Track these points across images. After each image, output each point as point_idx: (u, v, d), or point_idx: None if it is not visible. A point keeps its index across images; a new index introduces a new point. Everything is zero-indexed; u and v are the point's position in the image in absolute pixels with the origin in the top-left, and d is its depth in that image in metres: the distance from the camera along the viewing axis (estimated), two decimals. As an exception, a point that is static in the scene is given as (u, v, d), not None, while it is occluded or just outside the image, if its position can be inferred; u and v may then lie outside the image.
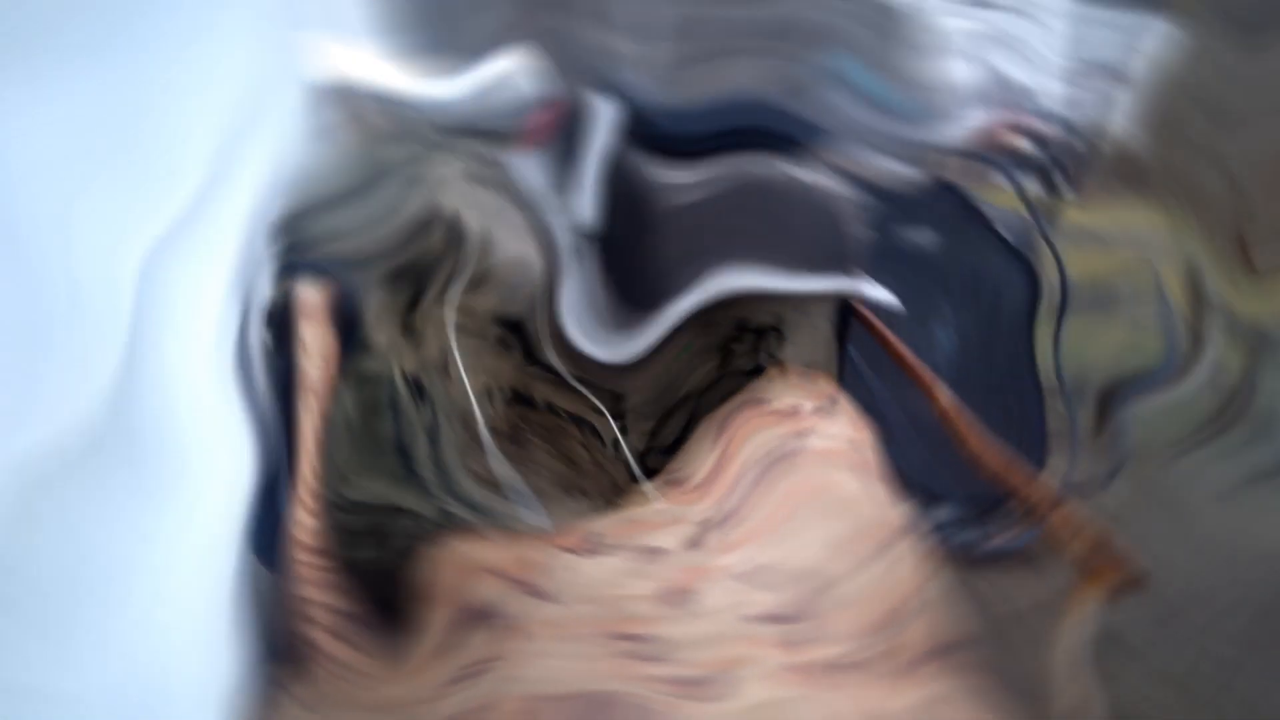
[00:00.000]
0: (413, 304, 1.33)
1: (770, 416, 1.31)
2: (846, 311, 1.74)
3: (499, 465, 1.35)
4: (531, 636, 1.02)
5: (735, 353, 1.58)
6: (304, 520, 0.73)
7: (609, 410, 1.39)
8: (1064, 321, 3.38)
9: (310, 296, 1.22)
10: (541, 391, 1.42)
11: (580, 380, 1.36)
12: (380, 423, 1.33)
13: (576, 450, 1.42)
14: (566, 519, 1.34)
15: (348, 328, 1.28)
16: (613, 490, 1.45)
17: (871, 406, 2.94)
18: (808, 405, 1.36)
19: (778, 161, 1.45)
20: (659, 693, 0.98)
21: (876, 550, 1.19)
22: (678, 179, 1.31)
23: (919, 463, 2.78)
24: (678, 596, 1.13)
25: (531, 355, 1.39)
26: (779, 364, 1.59)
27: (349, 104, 2.05)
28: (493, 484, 1.37)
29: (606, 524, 1.19)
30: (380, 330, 1.32)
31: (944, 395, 1.47)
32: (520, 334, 1.37)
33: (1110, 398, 4.31)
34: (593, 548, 1.18)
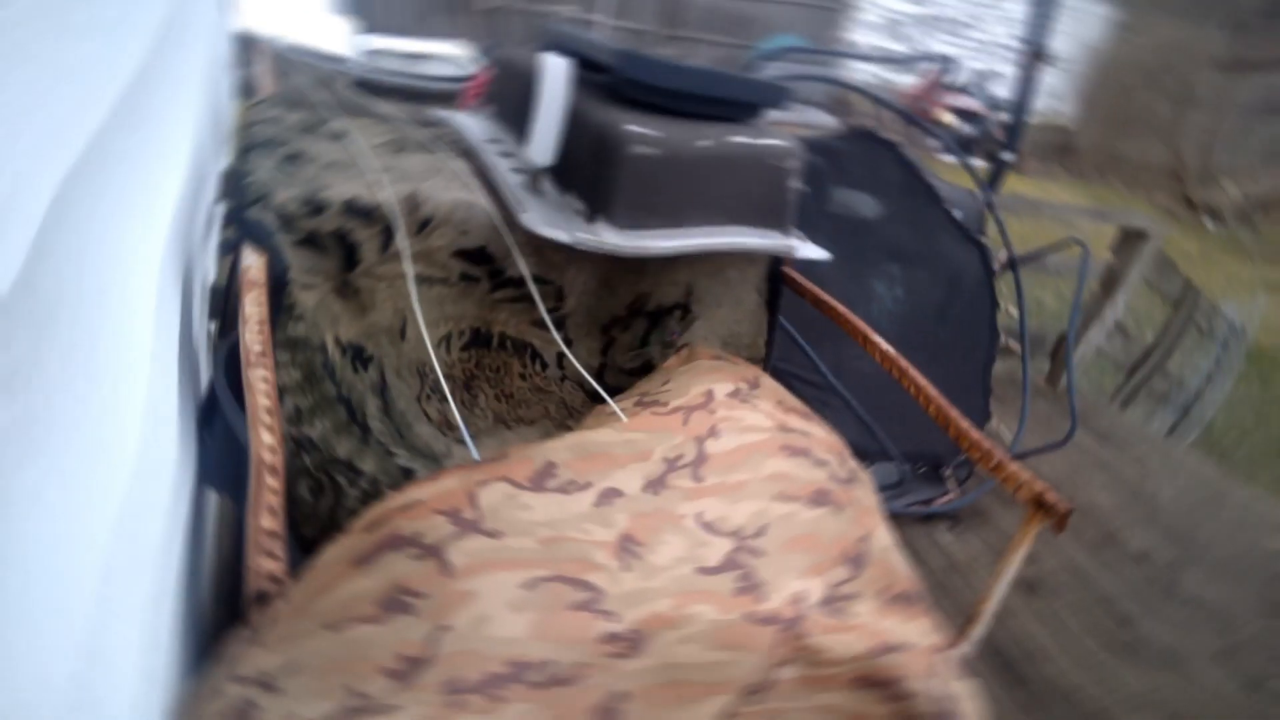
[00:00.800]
0: (349, 264, 1.33)
1: (670, 417, 1.30)
2: (776, 278, 1.79)
3: (451, 410, 1.42)
4: (457, 572, 1.01)
5: (618, 343, 1.60)
6: (266, 443, 0.73)
7: (552, 314, 1.45)
8: (1020, 285, 3.47)
9: (253, 264, 1.20)
10: (499, 321, 1.49)
11: (536, 280, 1.41)
12: (322, 386, 1.36)
13: (517, 384, 1.53)
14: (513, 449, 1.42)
15: (275, 293, 1.27)
16: (563, 410, 1.56)
17: (799, 376, 3.00)
18: (721, 391, 1.37)
19: (721, 125, 1.48)
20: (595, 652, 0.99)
21: (812, 502, 1.24)
22: (634, 129, 1.35)
23: (856, 428, 2.85)
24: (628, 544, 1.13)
25: (498, 274, 1.44)
26: (681, 348, 1.61)
27: (280, 59, 2.02)
28: (449, 425, 1.46)
29: (562, 454, 1.20)
30: (306, 293, 1.31)
31: (882, 349, 1.52)
32: (484, 259, 1.41)
33: (1057, 352, 4.41)
34: (541, 482, 1.16)
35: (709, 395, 1.33)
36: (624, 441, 1.25)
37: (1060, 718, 2.27)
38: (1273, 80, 15.31)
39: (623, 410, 1.34)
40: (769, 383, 1.47)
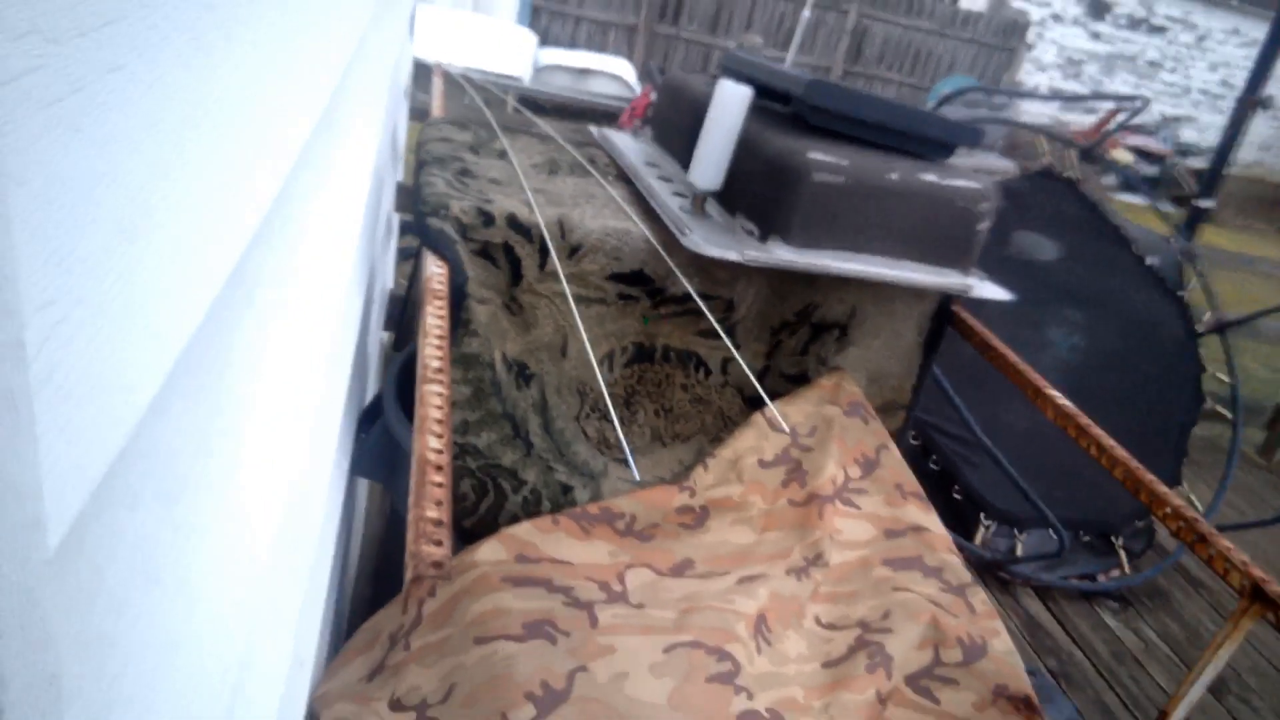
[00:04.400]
0: (515, 279, 1.36)
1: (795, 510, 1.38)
2: (941, 319, 1.70)
3: (613, 429, 1.46)
4: (602, 626, 1.08)
5: (783, 346, 1.63)
6: (433, 447, 0.79)
7: (721, 324, 1.47)
8: (1227, 348, 3.18)
9: (436, 273, 1.26)
10: (663, 335, 1.51)
11: (702, 296, 1.43)
12: (489, 402, 1.41)
13: (678, 396, 1.55)
14: (664, 467, 1.51)
15: (455, 306, 1.33)
16: (720, 421, 1.58)
17: (944, 430, 2.83)
18: (841, 476, 1.43)
19: (909, 160, 1.44)
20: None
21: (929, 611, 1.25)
22: (818, 157, 1.34)
23: (1007, 490, 2.65)
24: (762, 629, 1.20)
25: (659, 293, 1.46)
26: (832, 370, 1.59)
27: (451, 82, 2.13)
28: (606, 443, 1.49)
29: (700, 552, 1.30)
30: (482, 308, 1.35)
31: (1057, 403, 1.39)
32: (642, 280, 1.44)
33: (1276, 421, 3.99)
34: (681, 571, 1.29)
35: (835, 485, 1.40)
36: (764, 541, 1.34)
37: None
38: None
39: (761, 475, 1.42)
40: (892, 456, 1.48)
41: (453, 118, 1.79)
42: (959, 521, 2.74)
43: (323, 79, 0.78)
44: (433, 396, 0.88)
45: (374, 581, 1.77)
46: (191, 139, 0.39)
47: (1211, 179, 3.87)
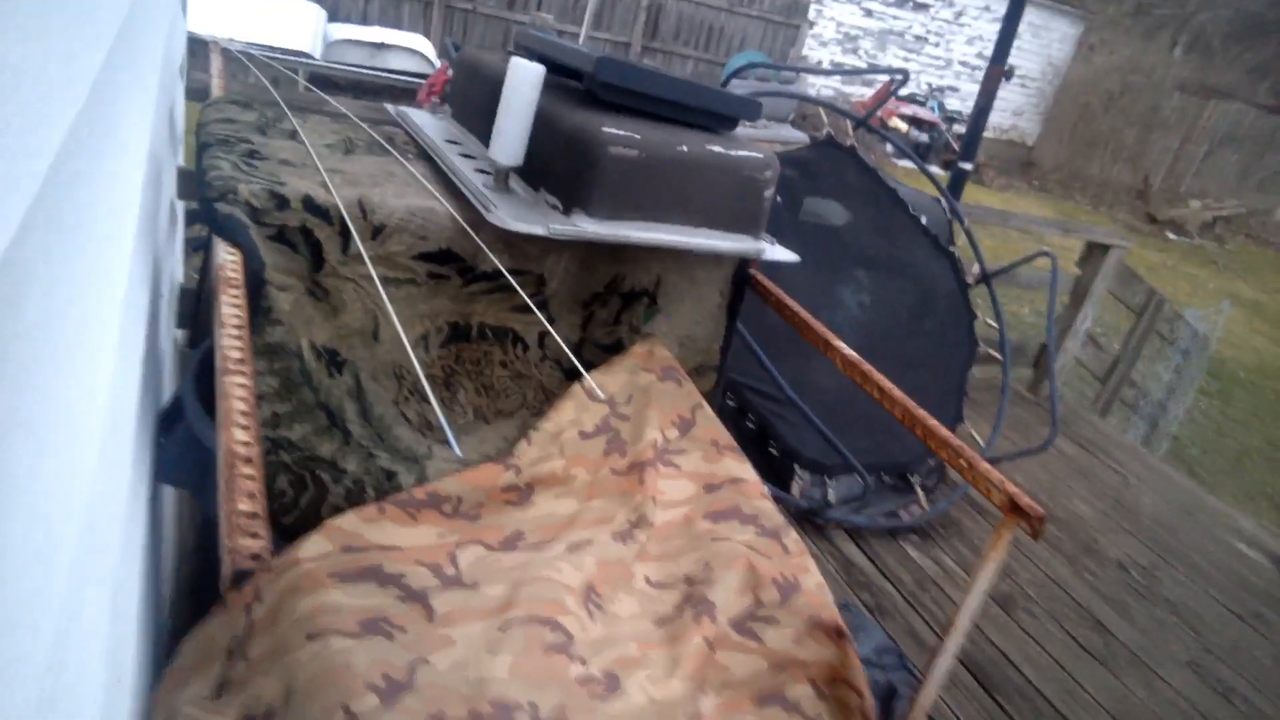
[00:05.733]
0: (317, 264, 1.31)
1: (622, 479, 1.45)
2: (741, 282, 1.81)
3: (434, 411, 1.44)
4: (438, 619, 1.09)
5: (596, 318, 1.68)
6: (239, 439, 0.75)
7: (534, 299, 1.49)
8: (994, 296, 3.51)
9: (228, 260, 1.19)
10: (478, 313, 1.51)
11: (513, 272, 1.44)
12: (300, 392, 1.35)
13: (497, 373, 1.56)
14: (489, 444, 1.51)
15: (253, 294, 1.27)
16: (540, 395, 1.60)
17: (758, 389, 3.01)
18: (660, 439, 1.51)
19: (697, 133, 1.51)
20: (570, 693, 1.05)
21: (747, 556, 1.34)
22: (612, 131, 1.37)
23: (816, 441, 2.85)
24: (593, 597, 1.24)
25: (469, 270, 1.46)
26: (644, 337, 1.67)
27: (232, 59, 2.00)
28: (428, 425, 1.48)
29: (530, 524, 1.33)
30: (283, 295, 1.30)
31: (844, 354, 1.52)
32: (451, 259, 1.42)
33: (1040, 360, 4.50)
34: (513, 544, 1.30)
35: (655, 449, 1.46)
36: (589, 509, 1.38)
37: (1025, 718, 2.28)
38: (1235, 108, 15.78)
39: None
40: (706, 415, 1.56)
41: (235, 96, 1.69)
42: (776, 475, 2.91)
43: (91, 53, 0.73)
44: (235, 388, 0.84)
45: (194, 596, 1.67)
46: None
47: (969, 143, 4.29)
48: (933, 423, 1.35)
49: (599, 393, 1.49)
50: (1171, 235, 13.49)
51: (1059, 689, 2.43)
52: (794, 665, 1.27)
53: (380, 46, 7.63)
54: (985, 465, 1.27)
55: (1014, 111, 14.66)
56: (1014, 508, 1.20)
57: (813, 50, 12.47)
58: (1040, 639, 2.64)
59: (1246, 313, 10.42)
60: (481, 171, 1.52)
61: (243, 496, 0.69)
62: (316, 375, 1.37)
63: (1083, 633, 2.74)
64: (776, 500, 1.50)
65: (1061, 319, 4.57)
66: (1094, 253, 4.46)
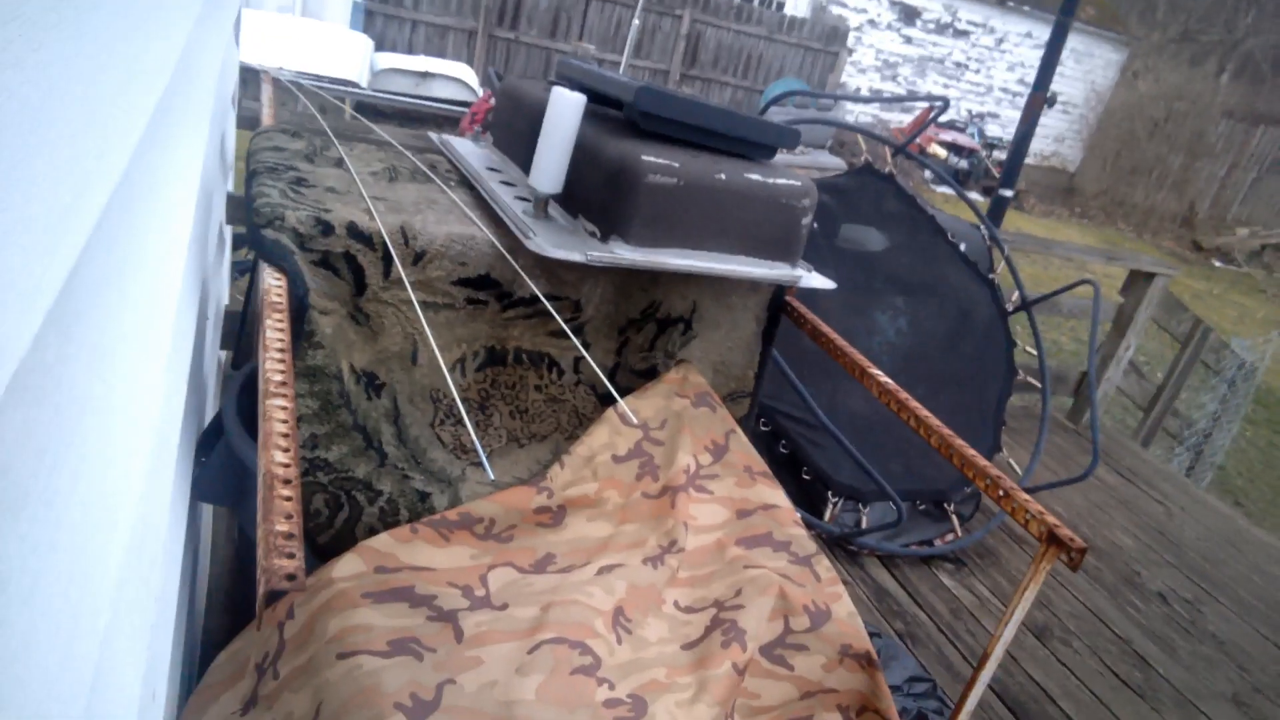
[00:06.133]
0: (359, 289, 1.34)
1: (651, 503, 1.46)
2: (776, 309, 1.81)
3: (468, 433, 1.47)
4: (467, 639, 1.10)
5: (631, 344, 1.69)
6: (279, 461, 0.77)
7: (570, 324, 1.51)
8: (1034, 324, 3.49)
9: (273, 285, 1.23)
10: (514, 337, 1.53)
11: (549, 298, 1.46)
12: (338, 414, 1.38)
13: (532, 397, 1.58)
14: (523, 467, 1.53)
15: (296, 318, 1.30)
16: (574, 419, 1.62)
17: (790, 415, 3.00)
18: (693, 464, 1.52)
19: (735, 160, 1.53)
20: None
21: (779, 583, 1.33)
22: (651, 159, 1.39)
23: (850, 467, 2.83)
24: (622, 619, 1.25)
25: (507, 296, 1.48)
26: (678, 363, 1.68)
27: (281, 89, 2.06)
28: (463, 448, 1.50)
29: (562, 547, 1.35)
30: (325, 319, 1.33)
31: (879, 381, 1.52)
32: (489, 285, 1.45)
33: (1080, 388, 4.43)
34: (543, 567, 1.32)
35: (688, 474, 1.47)
36: (621, 533, 1.39)
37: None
38: (1283, 133, 15.50)
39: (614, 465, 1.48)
40: (739, 442, 1.57)
41: (284, 125, 1.74)
42: (809, 500, 2.89)
43: (150, 86, 0.76)
44: (276, 410, 0.87)
45: (228, 613, 1.70)
46: (28, 145, 0.38)
47: (1010, 170, 4.26)
48: (970, 451, 1.34)
49: (632, 417, 1.50)
50: (1218, 263, 13.22)
51: (1099, 726, 2.37)
52: (824, 693, 1.26)
53: (425, 75, 7.78)
54: (1023, 495, 1.25)
55: (1055, 138, 14.53)
56: (1053, 538, 1.19)
57: (851, 77, 12.49)
58: (1079, 673, 2.58)
59: (1297, 342, 10.13)
60: (521, 199, 1.55)
61: (280, 517, 0.71)
62: (355, 398, 1.40)
63: (1123, 667, 2.67)
64: (809, 526, 1.50)
65: (1103, 347, 4.49)
66: (1137, 280, 4.39)
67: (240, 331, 1.78)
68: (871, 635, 1.35)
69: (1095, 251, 4.97)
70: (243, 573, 1.48)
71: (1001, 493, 1.27)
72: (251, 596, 0.83)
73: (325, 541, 1.41)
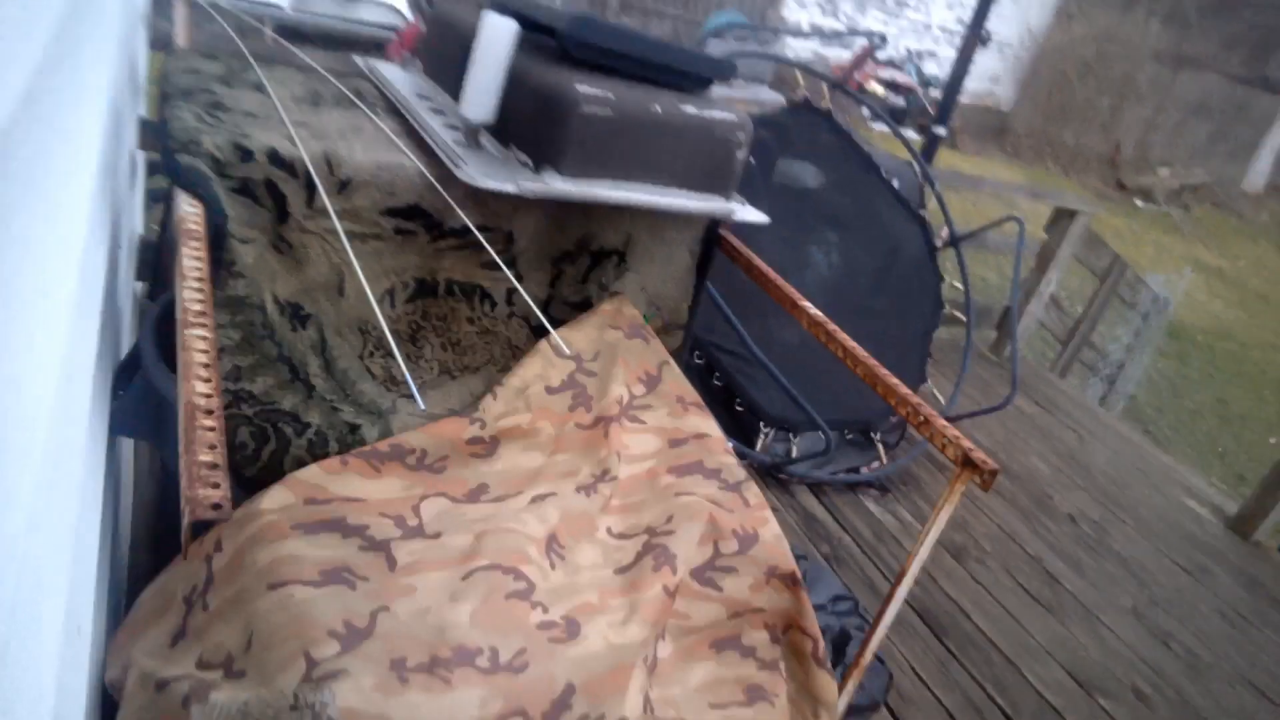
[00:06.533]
0: (281, 217, 1.31)
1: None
2: (710, 242, 1.82)
3: (399, 365, 1.45)
4: (400, 568, 1.11)
5: (565, 276, 1.67)
6: (200, 391, 0.76)
7: (502, 256, 1.48)
8: (962, 259, 3.56)
9: (190, 213, 1.18)
10: (445, 269, 1.50)
11: (481, 229, 1.43)
12: (262, 345, 1.35)
13: (464, 329, 1.56)
14: (455, 399, 1.52)
15: (215, 246, 1.26)
16: (507, 351, 1.61)
17: (724, 347, 3.04)
18: (626, 395, 1.53)
19: (670, 93, 1.51)
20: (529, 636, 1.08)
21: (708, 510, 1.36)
22: (586, 90, 1.37)
23: (781, 398, 2.90)
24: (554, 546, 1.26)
25: (437, 226, 1.45)
26: (612, 295, 1.68)
27: (197, 8, 1.96)
28: (393, 380, 1.48)
29: (494, 477, 1.34)
30: (246, 248, 1.29)
31: (810, 313, 1.55)
32: (419, 215, 1.42)
33: (1003, 322, 4.60)
34: (477, 496, 1.32)
35: (621, 404, 1.48)
36: (554, 463, 1.40)
37: (975, 665, 2.37)
38: (1208, 78, 15.93)
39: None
40: (672, 372, 1.58)
41: (200, 47, 1.66)
42: (742, 431, 2.96)
43: (45, 7, 0.72)
44: (196, 340, 0.85)
45: (154, 549, 1.68)
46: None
47: (944, 108, 4.31)
48: (893, 380, 1.39)
49: (565, 348, 1.51)
50: (1139, 202, 13.64)
51: (1008, 637, 2.52)
52: (751, 612, 1.31)
53: (349, -2, 7.41)
54: (941, 421, 1.31)
55: (990, 78, 14.65)
56: (967, 461, 1.24)
57: (791, 11, 12.34)
58: (993, 590, 2.73)
59: (1208, 278, 10.61)
60: (452, 128, 1.51)
61: (203, 448, 0.71)
62: (279, 329, 1.37)
63: (1034, 584, 2.83)
64: (740, 456, 1.53)
65: (1026, 282, 4.63)
66: (1060, 218, 4.52)
67: (156, 261, 1.71)
68: (799, 558, 1.41)
69: (1022, 189, 5.09)
70: (167, 508, 1.46)
71: (921, 419, 1.32)
72: (177, 532, 0.83)
73: (252, 474, 1.40)
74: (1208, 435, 6.38)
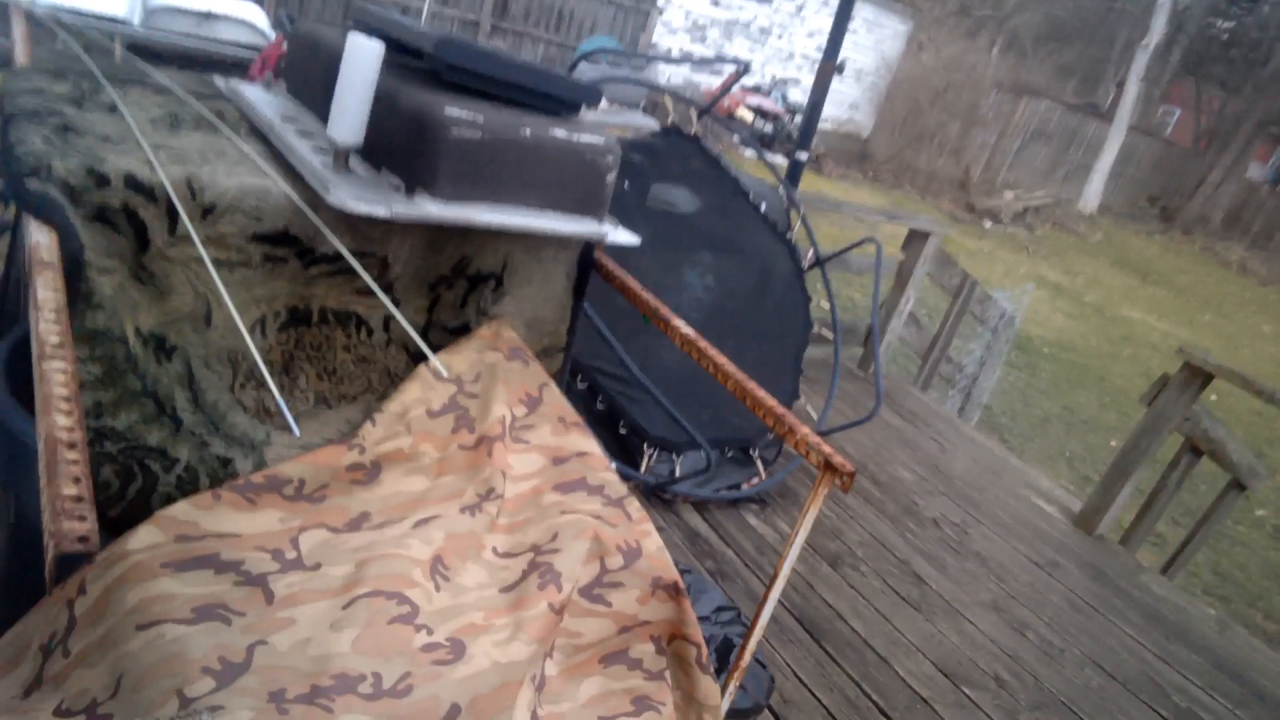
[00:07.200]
0: (141, 245, 1.26)
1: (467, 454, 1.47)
2: (586, 264, 1.87)
3: (272, 396, 1.40)
4: (278, 601, 1.09)
5: (443, 301, 1.66)
6: (63, 425, 0.72)
7: (378, 282, 1.46)
8: (827, 279, 3.72)
9: (43, 242, 1.12)
10: (319, 296, 1.47)
11: (355, 254, 1.41)
12: (125, 379, 1.29)
13: (340, 357, 1.53)
14: (332, 428, 1.49)
15: (70, 277, 1.20)
16: (386, 379, 1.59)
17: (605, 370, 3.09)
18: (509, 416, 1.55)
19: (540, 116, 1.54)
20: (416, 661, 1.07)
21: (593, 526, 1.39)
22: (455, 112, 1.38)
23: (663, 419, 2.97)
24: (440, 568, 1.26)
25: (308, 253, 1.42)
26: (490, 320, 1.70)
27: (36, 23, 1.87)
28: (267, 412, 1.44)
29: (376, 504, 1.33)
30: (105, 278, 1.24)
31: (682, 332, 1.61)
32: (288, 241, 1.39)
33: (868, 339, 4.83)
34: (358, 525, 1.30)
35: (504, 425, 1.49)
36: (439, 485, 1.40)
37: (851, 665, 2.48)
38: (1044, 105, 17.32)
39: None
40: (552, 393, 1.61)
41: (43, 65, 1.58)
42: (626, 453, 3.00)
43: None
44: (56, 374, 0.82)
45: (6, 598, 1.56)
46: None
47: (804, 134, 4.53)
48: (761, 394, 1.46)
49: (444, 371, 1.51)
50: (988, 223, 14.62)
51: (881, 636, 2.66)
52: (638, 625, 1.35)
53: (208, 16, 7.11)
54: (805, 429, 1.38)
55: (850, 105, 15.43)
56: (828, 465, 1.33)
57: (662, 37, 12.66)
58: (865, 593, 2.87)
59: (1050, 293, 11.46)
60: (321, 150, 1.50)
61: (68, 481, 0.68)
62: (143, 362, 1.32)
63: (903, 586, 2.99)
64: (625, 478, 1.56)
65: (887, 301, 4.90)
66: (915, 239, 4.82)
67: (2, 296, 1.61)
68: (683, 572, 1.45)
69: (879, 212, 5.39)
70: (22, 558, 1.37)
71: (787, 428, 1.39)
72: (29, 581, 0.79)
73: (117, 514, 1.33)
74: (1056, 440, 6.87)
